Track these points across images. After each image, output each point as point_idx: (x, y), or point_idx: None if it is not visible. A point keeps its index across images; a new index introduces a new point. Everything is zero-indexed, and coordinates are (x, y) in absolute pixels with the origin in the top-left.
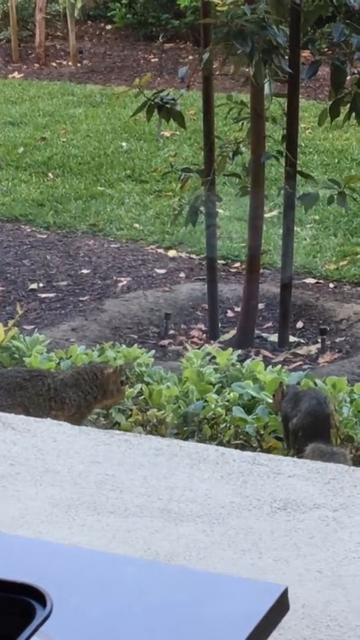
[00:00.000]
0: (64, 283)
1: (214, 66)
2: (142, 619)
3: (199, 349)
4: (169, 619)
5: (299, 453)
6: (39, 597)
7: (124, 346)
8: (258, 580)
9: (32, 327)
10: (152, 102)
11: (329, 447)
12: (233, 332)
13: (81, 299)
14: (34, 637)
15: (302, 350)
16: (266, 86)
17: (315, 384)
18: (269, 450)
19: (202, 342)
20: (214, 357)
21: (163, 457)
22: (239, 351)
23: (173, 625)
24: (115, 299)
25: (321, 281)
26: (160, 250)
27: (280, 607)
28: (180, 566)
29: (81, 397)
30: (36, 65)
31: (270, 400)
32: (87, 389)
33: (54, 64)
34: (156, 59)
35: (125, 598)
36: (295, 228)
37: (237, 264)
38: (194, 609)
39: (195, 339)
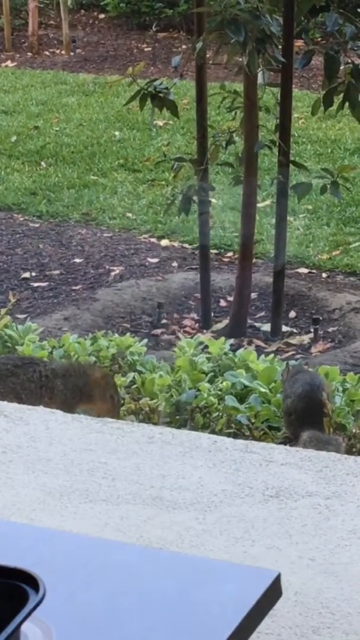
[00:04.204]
0: (57, 272)
1: (207, 55)
2: (136, 605)
3: (191, 338)
4: (163, 604)
5: (294, 436)
6: (32, 582)
7: (116, 335)
8: (251, 566)
9: (25, 315)
10: (145, 91)
11: (326, 435)
12: (226, 321)
13: (74, 288)
14: (27, 622)
15: (294, 340)
16: (259, 75)
17: None
18: (261, 439)
19: (194, 331)
20: (206, 346)
21: (155, 445)
22: (232, 340)
23: (166, 611)
24: (107, 288)
25: (314, 271)
26: (153, 240)
27: (273, 593)
28: (173, 552)
29: (68, 391)
30: (29, 54)
31: (263, 390)
32: (73, 385)
33: (47, 53)
34: (149, 48)
35: (118, 583)
36: (288, 218)
37: (230, 254)
38: (187, 594)
39: (187, 328)
